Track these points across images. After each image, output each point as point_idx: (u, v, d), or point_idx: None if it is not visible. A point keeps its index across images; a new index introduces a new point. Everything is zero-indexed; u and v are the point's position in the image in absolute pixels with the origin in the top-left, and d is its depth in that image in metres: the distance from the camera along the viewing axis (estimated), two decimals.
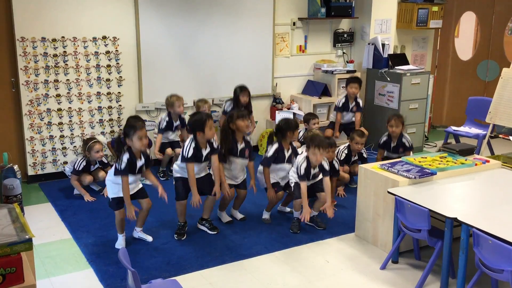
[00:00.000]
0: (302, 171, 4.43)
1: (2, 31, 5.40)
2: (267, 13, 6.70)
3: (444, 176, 4.15)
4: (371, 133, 7.01)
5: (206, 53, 6.38)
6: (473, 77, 8.28)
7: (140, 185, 4.26)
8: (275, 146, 4.66)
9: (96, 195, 5.36)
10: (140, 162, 4.07)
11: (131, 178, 4.07)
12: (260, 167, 4.75)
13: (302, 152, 4.68)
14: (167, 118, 5.78)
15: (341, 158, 5.49)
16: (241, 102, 6.06)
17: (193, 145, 4.20)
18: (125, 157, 3.98)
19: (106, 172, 5.29)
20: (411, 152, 5.43)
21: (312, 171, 4.48)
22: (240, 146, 4.54)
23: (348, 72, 7.01)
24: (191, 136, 4.27)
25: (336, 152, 5.52)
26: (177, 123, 5.84)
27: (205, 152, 4.27)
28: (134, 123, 3.99)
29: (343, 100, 6.43)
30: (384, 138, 5.52)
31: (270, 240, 4.43)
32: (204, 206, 4.48)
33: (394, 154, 5.47)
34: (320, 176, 4.58)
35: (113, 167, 4.11)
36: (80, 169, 5.24)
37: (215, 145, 4.31)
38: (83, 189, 5.28)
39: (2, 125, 5.56)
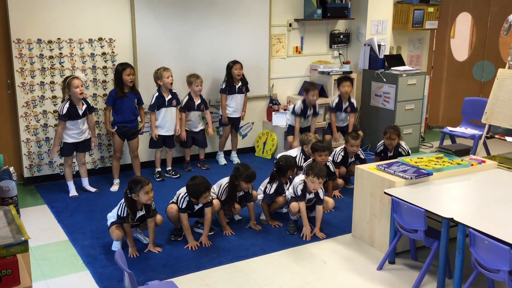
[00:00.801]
0: (299, 192, 4.48)
1: None
2: (263, 14, 6.71)
3: (440, 176, 4.16)
4: (367, 134, 7.02)
5: (203, 54, 6.38)
6: (469, 78, 8.31)
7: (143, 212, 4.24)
8: (276, 184, 4.76)
9: (92, 197, 5.36)
10: (140, 213, 4.14)
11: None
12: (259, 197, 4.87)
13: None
14: (157, 93, 5.76)
15: (338, 161, 5.49)
16: (235, 75, 6.19)
17: (187, 199, 4.31)
18: (126, 209, 4.09)
19: (89, 120, 5.31)
20: None
21: (308, 196, 4.52)
22: (239, 194, 4.68)
23: (345, 73, 7.01)
24: (185, 191, 4.32)
25: (332, 154, 5.53)
26: (169, 97, 5.80)
27: (197, 207, 4.37)
28: (140, 179, 4.08)
29: (337, 100, 6.40)
30: (381, 147, 5.49)
31: (267, 241, 4.43)
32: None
33: None
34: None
35: (116, 210, 4.19)
36: (65, 112, 5.09)
37: (208, 199, 4.36)
38: (58, 139, 5.19)
39: None
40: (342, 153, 5.53)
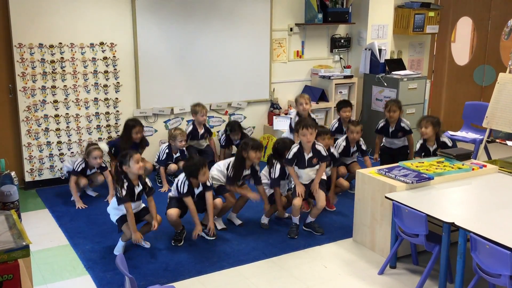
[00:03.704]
0: (291, 156, 4.46)
1: None
2: (264, 19, 6.72)
3: (442, 181, 4.16)
4: (368, 138, 7.02)
5: (204, 59, 6.39)
6: (470, 82, 8.31)
7: (143, 205, 4.31)
8: (278, 166, 4.70)
9: (93, 201, 5.36)
10: (137, 189, 4.16)
11: (132, 205, 4.16)
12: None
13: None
14: (167, 150, 5.69)
15: (340, 151, 5.46)
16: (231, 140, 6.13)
17: (187, 183, 4.31)
18: (125, 184, 4.08)
19: (104, 176, 5.30)
20: (412, 136, 5.55)
21: (306, 156, 4.45)
22: (245, 172, 4.64)
23: (345, 77, 7.02)
24: (183, 175, 4.35)
25: (334, 145, 5.50)
26: (177, 155, 5.75)
27: (197, 191, 4.38)
28: (127, 151, 4.13)
29: (336, 124, 5.96)
30: (381, 124, 5.53)
31: (268, 245, 4.43)
32: (204, 217, 4.57)
33: (393, 139, 5.55)
34: (317, 167, 4.58)
35: (115, 198, 4.20)
36: (78, 170, 5.23)
37: (208, 184, 4.38)
38: (78, 196, 5.25)
39: None
40: (344, 143, 5.49)
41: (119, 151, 5.41)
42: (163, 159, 5.66)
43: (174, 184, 4.43)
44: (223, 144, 6.17)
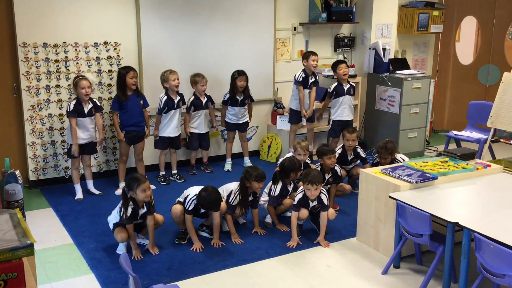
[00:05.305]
0: (295, 201, 4.47)
1: (4, 37, 5.42)
2: (268, 18, 6.72)
3: (446, 180, 4.15)
4: (372, 138, 7.02)
5: (207, 58, 6.40)
6: (474, 82, 8.29)
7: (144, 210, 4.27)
8: (280, 186, 4.71)
9: (97, 200, 5.37)
10: (142, 210, 4.15)
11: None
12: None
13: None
14: (165, 97, 5.74)
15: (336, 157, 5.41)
16: (237, 86, 6.14)
17: (195, 202, 4.30)
18: (130, 208, 4.07)
19: (96, 119, 5.32)
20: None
21: (311, 204, 4.49)
22: (249, 198, 4.64)
23: (349, 76, 7.00)
24: (195, 193, 4.32)
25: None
26: (177, 99, 5.81)
27: (203, 210, 4.37)
28: (138, 176, 4.12)
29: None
30: (376, 160, 5.31)
31: (271, 244, 4.43)
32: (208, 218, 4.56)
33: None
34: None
35: (116, 212, 4.21)
36: (72, 108, 5.16)
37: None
38: (76, 136, 5.17)
39: (3, 130, 5.57)
40: (339, 151, 5.50)
41: (123, 106, 5.46)
42: (161, 108, 5.74)
43: (183, 196, 4.44)
44: (225, 99, 6.25)
